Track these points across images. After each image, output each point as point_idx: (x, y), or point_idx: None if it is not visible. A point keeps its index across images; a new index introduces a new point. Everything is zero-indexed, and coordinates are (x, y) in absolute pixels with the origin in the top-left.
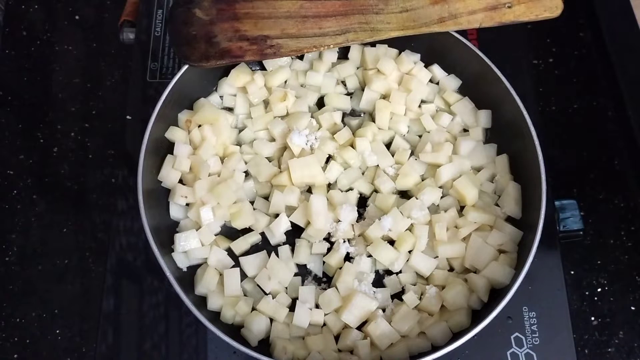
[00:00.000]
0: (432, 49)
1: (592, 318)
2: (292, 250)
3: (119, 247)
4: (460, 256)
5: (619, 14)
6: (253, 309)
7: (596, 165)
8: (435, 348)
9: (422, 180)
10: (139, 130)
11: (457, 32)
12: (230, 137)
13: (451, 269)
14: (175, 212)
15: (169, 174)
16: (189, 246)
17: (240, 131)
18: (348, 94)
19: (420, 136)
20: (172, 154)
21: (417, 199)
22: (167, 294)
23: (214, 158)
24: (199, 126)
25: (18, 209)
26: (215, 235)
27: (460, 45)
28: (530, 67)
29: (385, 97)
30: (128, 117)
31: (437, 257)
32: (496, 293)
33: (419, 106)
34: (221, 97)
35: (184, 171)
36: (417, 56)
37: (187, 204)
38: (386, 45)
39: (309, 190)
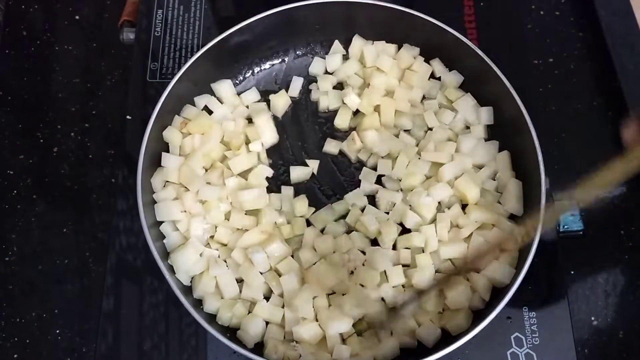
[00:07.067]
0: (432, 48)
1: (592, 318)
2: None
3: (119, 247)
4: (462, 256)
5: (619, 14)
6: (249, 311)
7: (596, 165)
8: (435, 348)
9: (427, 179)
10: (139, 130)
11: (456, 31)
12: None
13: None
14: (165, 226)
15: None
16: (187, 264)
17: None
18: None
19: (425, 131)
20: None
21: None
22: (167, 294)
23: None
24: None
25: (18, 209)
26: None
27: (460, 45)
28: (530, 67)
29: (387, 93)
30: (128, 117)
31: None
32: (496, 293)
33: (421, 102)
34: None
35: (173, 182)
36: (417, 50)
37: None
38: (384, 42)
39: None
